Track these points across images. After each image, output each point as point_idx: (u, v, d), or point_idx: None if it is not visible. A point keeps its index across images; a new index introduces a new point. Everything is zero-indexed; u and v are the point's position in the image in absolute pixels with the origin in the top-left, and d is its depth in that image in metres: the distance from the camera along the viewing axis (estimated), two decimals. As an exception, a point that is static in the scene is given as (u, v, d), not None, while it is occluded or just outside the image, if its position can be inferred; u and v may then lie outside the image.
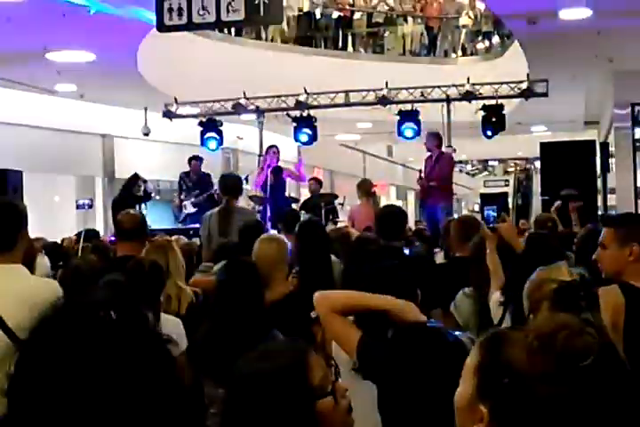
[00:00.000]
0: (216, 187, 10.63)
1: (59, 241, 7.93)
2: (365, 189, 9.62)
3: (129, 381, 1.08)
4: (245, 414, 1.63)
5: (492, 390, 1.36)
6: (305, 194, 14.11)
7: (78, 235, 6.98)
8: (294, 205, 10.76)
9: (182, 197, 11.26)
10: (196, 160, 11.36)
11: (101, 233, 12.81)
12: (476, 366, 1.40)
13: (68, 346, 1.09)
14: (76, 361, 1.07)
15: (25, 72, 11.13)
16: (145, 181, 10.72)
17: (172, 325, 3.65)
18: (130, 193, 10.34)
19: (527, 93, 11.57)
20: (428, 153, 10.35)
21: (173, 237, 5.92)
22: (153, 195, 12.66)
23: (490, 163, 32.69)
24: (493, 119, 11.69)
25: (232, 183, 7.17)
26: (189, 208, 11.03)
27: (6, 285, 3.28)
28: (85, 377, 1.06)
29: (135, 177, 10.76)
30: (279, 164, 9.97)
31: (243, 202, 11.68)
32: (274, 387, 1.64)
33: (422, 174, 10.09)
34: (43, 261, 4.15)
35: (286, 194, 10.29)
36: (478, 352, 1.42)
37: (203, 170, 11.39)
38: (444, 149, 10.54)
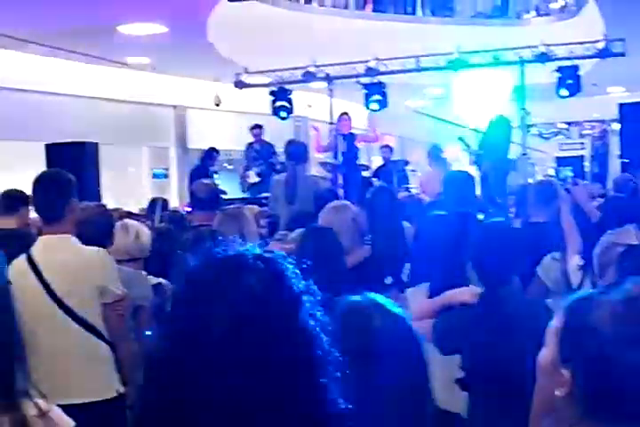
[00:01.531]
0: (278, 156, 10.72)
1: (135, 211, 8.11)
2: (436, 155, 9.54)
3: (277, 323, 1.10)
4: None
5: (574, 354, 1.36)
6: (376, 161, 14.05)
7: (152, 204, 7.09)
8: (366, 173, 10.74)
9: (248, 166, 11.29)
10: (258, 128, 11.34)
11: (176, 203, 13.06)
12: (559, 330, 1.40)
13: (226, 292, 1.11)
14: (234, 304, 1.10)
15: (98, 46, 11.29)
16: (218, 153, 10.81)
17: None
18: (205, 165, 10.47)
19: (604, 53, 11.24)
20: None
21: (246, 206, 6.00)
22: (225, 165, 12.80)
23: (564, 126, 31.94)
24: (569, 81, 11.40)
25: (297, 150, 7.18)
26: (253, 178, 11.07)
27: (55, 254, 3.37)
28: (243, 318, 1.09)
29: (211, 150, 10.87)
30: (351, 131, 9.92)
31: (313, 169, 11.73)
32: None
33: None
34: (144, 230, 4.25)
35: (358, 161, 10.25)
36: (562, 316, 1.41)
37: (273, 140, 11.42)
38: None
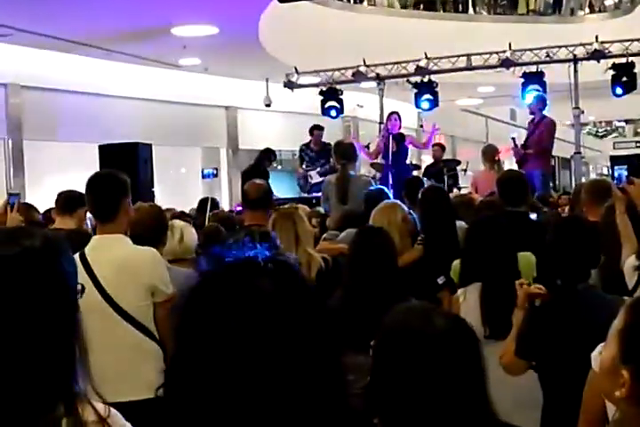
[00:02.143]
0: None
1: (187, 211, 8.19)
2: (490, 155, 9.45)
3: (290, 324, 1.11)
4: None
5: (635, 354, 1.33)
6: (427, 160, 13.98)
7: (202, 204, 7.15)
8: (416, 172, 10.69)
9: (305, 167, 11.28)
10: (318, 130, 11.34)
11: (227, 203, 13.16)
12: (620, 329, 1.38)
13: (238, 296, 1.12)
14: (244, 308, 1.11)
15: (152, 48, 11.44)
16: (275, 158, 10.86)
17: None
18: (260, 165, 10.53)
19: (660, 50, 11.03)
20: (531, 116, 10.08)
21: (299, 206, 6.03)
22: (275, 165, 12.84)
23: (619, 124, 31.40)
24: (624, 78, 11.21)
25: (345, 149, 7.19)
26: (315, 178, 11.03)
27: (107, 253, 3.42)
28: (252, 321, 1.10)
29: (267, 151, 10.92)
30: (401, 130, 9.87)
31: (364, 169, 11.72)
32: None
33: (517, 141, 9.82)
34: (189, 230, 4.30)
35: (408, 161, 10.20)
36: (624, 316, 1.39)
37: (324, 139, 11.41)
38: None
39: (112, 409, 1.50)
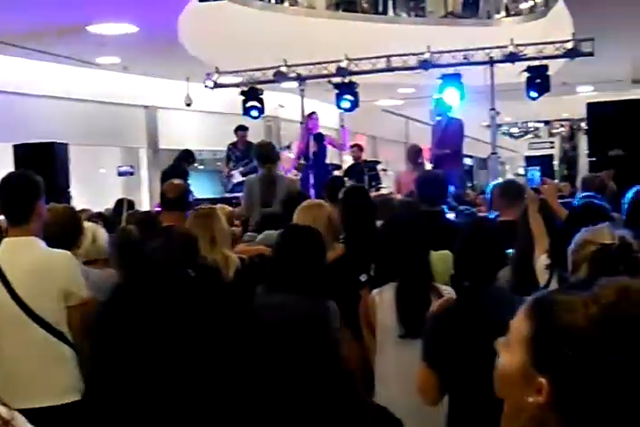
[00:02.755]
0: None
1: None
2: (413, 155, 9.60)
3: (212, 330, 1.10)
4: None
5: (552, 361, 1.30)
6: (347, 161, 14.07)
7: (118, 205, 7.05)
8: (337, 172, 10.75)
9: (231, 166, 11.32)
10: (241, 130, 11.38)
11: (147, 203, 13.00)
12: (529, 337, 1.33)
13: (155, 300, 1.11)
14: (162, 311, 1.10)
15: (68, 46, 11.22)
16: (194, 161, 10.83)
17: None
18: (179, 166, 10.44)
19: (572, 53, 11.33)
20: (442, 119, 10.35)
21: (217, 206, 5.98)
22: (196, 165, 12.75)
23: (535, 125, 32.18)
24: (538, 80, 11.48)
25: (267, 151, 7.16)
26: (237, 177, 11.09)
27: (20, 256, 3.35)
28: (171, 324, 1.09)
29: (186, 152, 10.84)
30: (320, 130, 9.92)
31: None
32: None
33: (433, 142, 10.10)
34: (100, 231, 4.22)
35: (328, 161, 10.26)
36: (529, 319, 1.35)
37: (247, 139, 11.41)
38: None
39: (15, 412, 1.46)
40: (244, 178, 10.86)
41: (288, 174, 9.15)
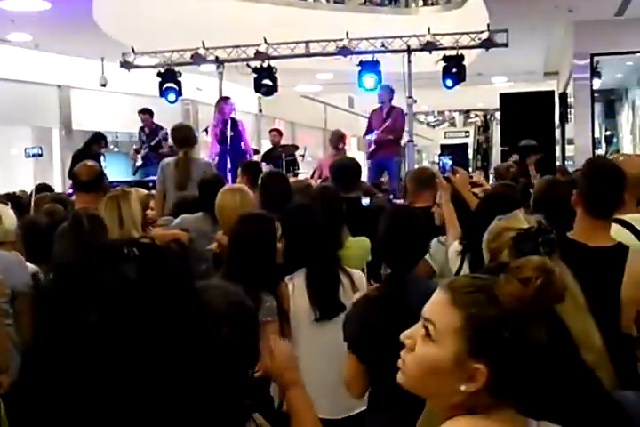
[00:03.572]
0: (160, 136, 10.65)
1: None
2: (335, 140, 9.64)
3: (160, 313, 1.07)
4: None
5: (489, 346, 1.34)
6: (266, 145, 14.05)
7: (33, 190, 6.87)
8: (256, 157, 10.70)
9: (138, 149, 11.22)
10: (144, 113, 11.18)
11: (59, 185, 12.69)
12: (461, 324, 1.36)
13: (100, 281, 1.07)
14: (107, 292, 1.06)
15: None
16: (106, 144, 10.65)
17: None
18: (89, 150, 10.21)
19: (487, 44, 11.53)
20: (379, 105, 10.45)
21: (132, 189, 5.88)
22: (111, 147, 12.53)
23: (450, 114, 32.72)
24: (454, 70, 11.66)
25: (185, 134, 7.06)
26: (139, 161, 11.03)
27: None
28: (115, 306, 1.06)
29: (97, 135, 10.62)
30: (235, 115, 9.84)
31: (203, 153, 11.62)
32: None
33: (372, 128, 10.20)
34: (8, 213, 4.08)
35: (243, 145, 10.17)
36: (457, 309, 1.37)
37: (162, 122, 11.24)
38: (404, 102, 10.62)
39: None
40: (142, 161, 10.87)
41: (210, 160, 9.08)
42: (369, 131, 10.51)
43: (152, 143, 10.86)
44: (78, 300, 1.06)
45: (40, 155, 6.66)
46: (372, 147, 10.35)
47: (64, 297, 1.08)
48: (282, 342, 1.91)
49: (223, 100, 9.88)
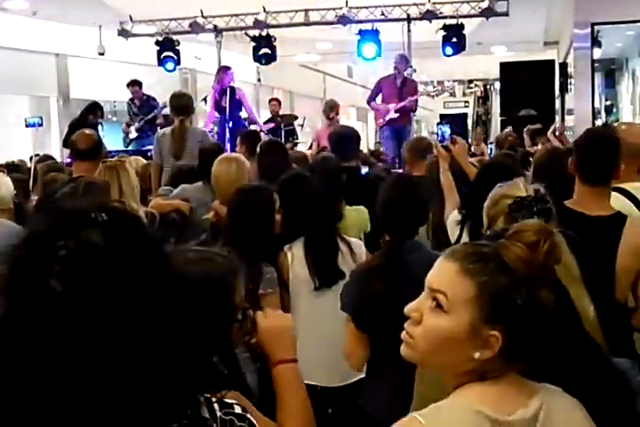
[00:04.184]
0: (159, 109, 10.56)
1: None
2: (326, 110, 9.59)
3: (128, 280, 1.06)
4: None
5: (505, 312, 1.36)
6: (264, 115, 13.99)
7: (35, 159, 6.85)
8: (254, 126, 10.66)
9: (130, 121, 11.13)
10: (133, 86, 11.06)
11: (58, 154, 12.66)
12: (475, 293, 1.37)
13: (63, 246, 1.06)
14: (74, 256, 1.06)
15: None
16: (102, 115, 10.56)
17: None
18: (85, 120, 10.14)
19: (488, 13, 11.46)
20: (390, 74, 10.30)
21: (132, 158, 5.87)
22: (110, 117, 12.46)
23: (450, 84, 32.51)
24: (454, 39, 11.60)
25: (182, 103, 7.02)
26: (133, 133, 10.95)
27: None
28: (83, 272, 1.05)
29: (93, 105, 10.54)
30: (234, 84, 9.77)
31: (202, 123, 11.58)
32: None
33: (384, 96, 10.06)
34: (4, 180, 4.07)
35: (240, 114, 10.12)
36: (469, 279, 1.38)
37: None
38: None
39: None
40: (137, 134, 10.79)
41: (207, 129, 9.04)
42: (373, 98, 10.34)
43: (148, 117, 10.77)
44: (41, 266, 1.05)
45: (40, 125, 6.62)
46: (392, 115, 10.13)
47: (27, 264, 1.07)
48: (277, 313, 1.85)
49: (222, 69, 9.80)
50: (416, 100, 10.18)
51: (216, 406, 1.30)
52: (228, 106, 9.30)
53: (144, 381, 1.08)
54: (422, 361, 1.47)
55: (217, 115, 9.68)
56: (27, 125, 6.73)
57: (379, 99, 10.23)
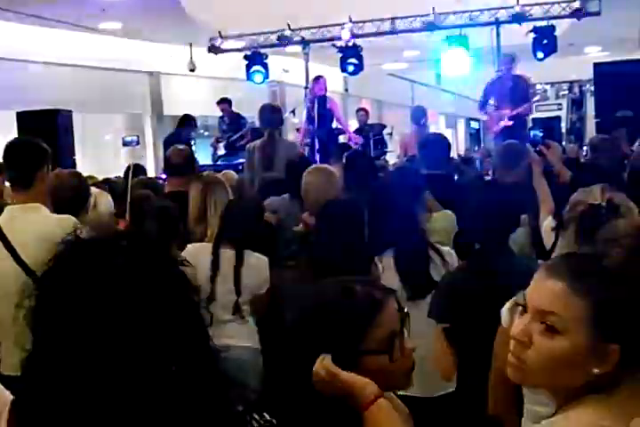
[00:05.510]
0: (247, 127, 10.70)
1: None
2: (416, 116, 9.54)
3: (145, 306, 1.09)
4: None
5: (622, 326, 1.32)
6: (353, 125, 14.01)
7: (127, 170, 7.01)
8: (342, 137, 10.68)
9: (220, 137, 11.35)
10: (223, 103, 11.26)
11: (152, 170, 12.98)
12: (589, 313, 1.33)
13: (90, 275, 1.11)
14: (95, 285, 1.10)
15: (70, 11, 11.10)
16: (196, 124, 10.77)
17: None
18: (180, 133, 10.35)
19: (579, 13, 11.19)
20: (494, 79, 10.10)
21: (223, 172, 5.96)
22: (202, 131, 12.69)
23: (542, 87, 31.91)
24: (545, 41, 11.36)
25: (272, 115, 7.08)
26: (221, 150, 11.14)
27: (23, 223, 3.33)
28: (103, 301, 1.09)
29: (185, 117, 10.75)
30: (325, 94, 9.79)
31: (291, 135, 11.68)
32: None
33: (498, 102, 9.85)
34: (103, 199, 4.20)
35: (333, 125, 10.16)
36: (581, 299, 1.34)
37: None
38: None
39: None
40: (225, 151, 10.99)
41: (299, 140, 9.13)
42: (483, 105, 10.13)
43: (236, 136, 10.93)
44: (68, 291, 1.10)
45: (137, 143, 6.80)
46: (506, 122, 9.85)
47: (56, 290, 1.12)
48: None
49: (315, 79, 9.83)
50: (530, 105, 9.91)
51: None
52: (316, 116, 9.33)
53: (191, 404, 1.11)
54: (534, 383, 1.44)
55: (309, 126, 9.73)
56: (124, 144, 6.89)
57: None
